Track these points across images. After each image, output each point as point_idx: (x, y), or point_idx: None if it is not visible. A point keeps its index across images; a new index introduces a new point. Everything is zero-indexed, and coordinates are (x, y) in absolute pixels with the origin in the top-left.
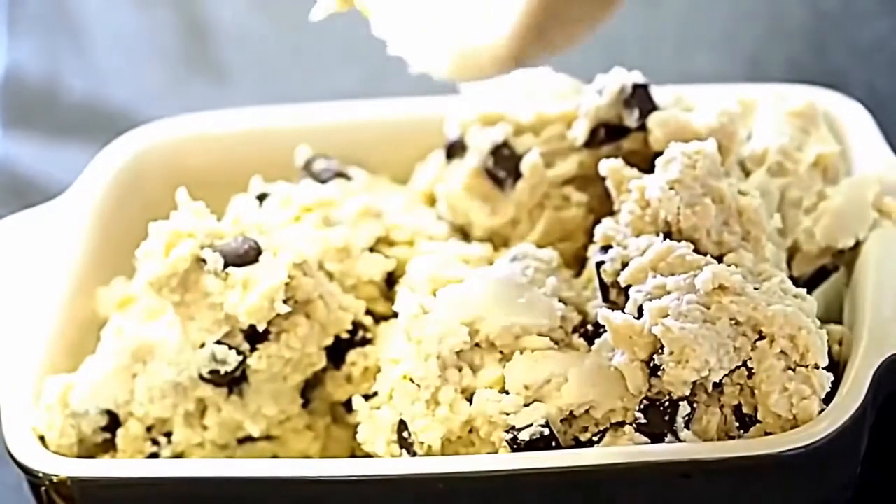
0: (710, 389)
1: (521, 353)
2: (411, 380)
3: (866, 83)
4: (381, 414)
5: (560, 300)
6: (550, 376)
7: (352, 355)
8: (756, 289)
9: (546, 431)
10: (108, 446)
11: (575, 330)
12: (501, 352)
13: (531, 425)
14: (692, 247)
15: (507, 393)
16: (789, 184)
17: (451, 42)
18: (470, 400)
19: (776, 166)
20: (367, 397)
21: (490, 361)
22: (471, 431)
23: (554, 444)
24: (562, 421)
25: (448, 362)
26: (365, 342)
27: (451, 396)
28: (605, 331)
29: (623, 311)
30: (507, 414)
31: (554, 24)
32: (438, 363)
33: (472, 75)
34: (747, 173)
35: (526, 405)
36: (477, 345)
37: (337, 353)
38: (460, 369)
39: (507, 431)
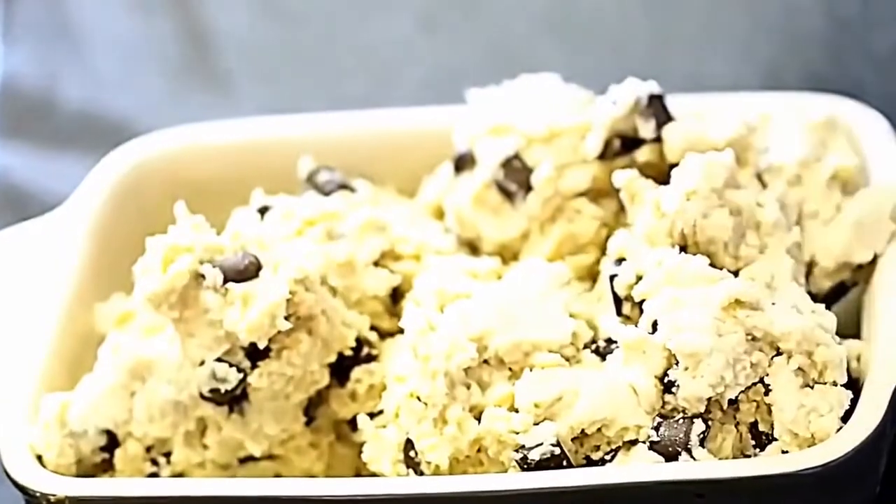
0: (725, 406)
1: (531, 369)
2: (418, 398)
3: (884, 91)
4: (387, 433)
5: (571, 315)
6: (561, 394)
7: (356, 372)
8: (773, 304)
9: (557, 451)
10: (107, 466)
11: (586, 346)
12: (511, 368)
13: (541, 444)
14: (708, 260)
15: (516, 411)
16: (808, 197)
17: None
18: (478, 418)
19: (794, 179)
20: (372, 415)
21: (499, 378)
22: (479, 451)
23: (565, 463)
24: (573, 440)
25: (456, 379)
26: (370, 359)
27: (459, 415)
28: (618, 346)
29: (637, 326)
30: (517, 433)
31: None
32: (446, 381)
33: None
34: (765, 185)
35: (536, 424)
36: (485, 361)
37: (341, 370)
38: (468, 387)
39: (517, 451)
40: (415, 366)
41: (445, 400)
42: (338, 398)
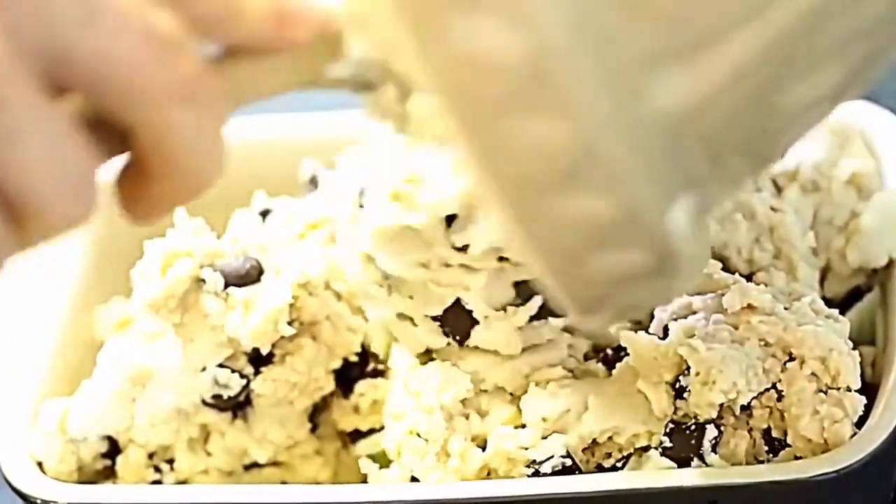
0: (737, 412)
1: (536, 384)
2: (418, 434)
3: None
4: (392, 473)
5: (565, 329)
6: (570, 406)
7: (361, 386)
8: (786, 309)
9: (568, 462)
10: (109, 473)
11: (587, 357)
12: (511, 393)
13: (552, 457)
14: (721, 265)
15: (523, 427)
16: (823, 201)
17: None
18: (483, 446)
19: (809, 183)
20: (373, 431)
21: (499, 404)
22: (488, 475)
23: (577, 473)
24: (584, 450)
25: (453, 412)
26: (377, 374)
27: (461, 446)
28: (627, 353)
29: (648, 332)
30: (526, 448)
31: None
32: (443, 414)
33: None
34: (780, 189)
35: (544, 437)
36: (483, 390)
37: (346, 380)
38: (467, 417)
39: (528, 466)
40: (408, 401)
41: (446, 434)
42: (340, 409)
